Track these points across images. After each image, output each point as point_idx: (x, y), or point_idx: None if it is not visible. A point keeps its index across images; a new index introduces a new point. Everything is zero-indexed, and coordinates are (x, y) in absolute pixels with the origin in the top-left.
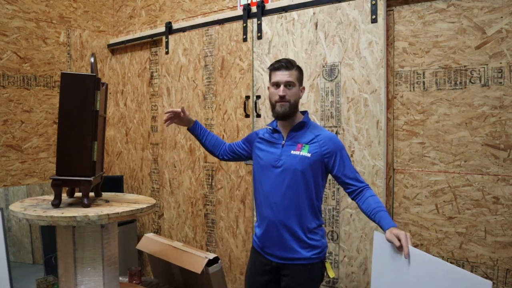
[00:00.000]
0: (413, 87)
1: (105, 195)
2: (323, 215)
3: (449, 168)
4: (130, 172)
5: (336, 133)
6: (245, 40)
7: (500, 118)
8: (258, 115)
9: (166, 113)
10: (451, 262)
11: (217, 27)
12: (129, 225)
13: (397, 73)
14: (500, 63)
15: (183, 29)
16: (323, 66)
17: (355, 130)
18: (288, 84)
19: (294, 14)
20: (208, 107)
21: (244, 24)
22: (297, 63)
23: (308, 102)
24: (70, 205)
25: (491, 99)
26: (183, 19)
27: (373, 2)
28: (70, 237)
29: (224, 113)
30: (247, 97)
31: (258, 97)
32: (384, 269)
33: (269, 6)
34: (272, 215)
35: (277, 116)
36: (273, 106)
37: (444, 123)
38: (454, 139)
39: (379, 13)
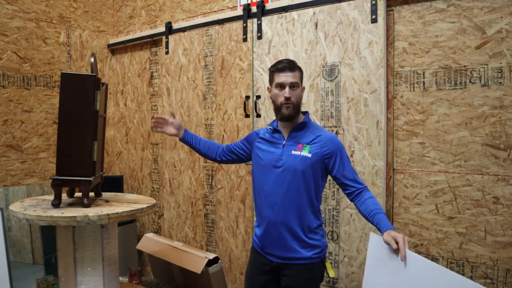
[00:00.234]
0: (413, 87)
1: (105, 195)
2: (323, 215)
3: (449, 168)
4: (130, 172)
5: (336, 133)
6: (245, 40)
7: (500, 118)
8: (258, 115)
9: (154, 118)
10: (451, 262)
11: (217, 27)
12: (129, 225)
13: (397, 73)
14: (500, 63)
15: (183, 29)
16: (323, 66)
17: (355, 130)
18: (292, 86)
19: (294, 14)
20: (208, 107)
21: (244, 24)
22: (297, 63)
23: (308, 102)
24: (70, 205)
25: (491, 99)
26: (183, 19)
27: (373, 2)
28: (70, 237)
29: (224, 113)
30: (247, 97)
31: (258, 97)
32: (378, 270)
33: (269, 6)
34: (273, 215)
35: (283, 118)
36: (278, 108)
37: (444, 123)
38: (454, 139)
39: (379, 13)
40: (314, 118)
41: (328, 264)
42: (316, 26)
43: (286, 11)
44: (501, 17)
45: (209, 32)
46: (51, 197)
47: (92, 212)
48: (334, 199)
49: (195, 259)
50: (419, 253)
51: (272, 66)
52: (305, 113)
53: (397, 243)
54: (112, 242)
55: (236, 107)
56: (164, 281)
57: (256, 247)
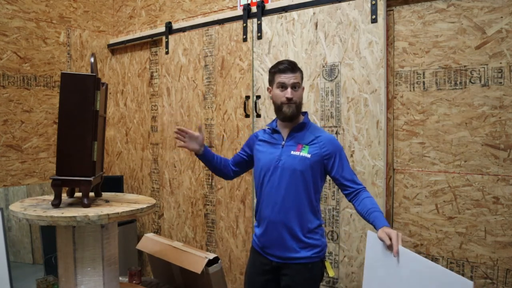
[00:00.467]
0: (413, 87)
1: (105, 195)
2: (323, 215)
3: (449, 168)
4: (130, 172)
5: (336, 133)
6: (245, 40)
7: (500, 118)
8: (258, 115)
9: (176, 130)
10: (451, 262)
11: (217, 27)
12: (129, 225)
13: (397, 73)
14: (500, 63)
15: (183, 29)
16: (323, 66)
17: (355, 130)
18: (294, 86)
19: (294, 14)
20: (208, 107)
21: (244, 24)
22: (297, 63)
23: (308, 102)
24: (70, 205)
25: (491, 99)
26: (183, 19)
27: (373, 2)
28: (70, 237)
29: (224, 113)
30: (247, 97)
31: (258, 97)
32: (376, 266)
33: (269, 6)
34: (272, 215)
35: (284, 118)
36: (279, 108)
37: (444, 123)
38: (454, 139)
39: (379, 13)
40: (314, 118)
41: (327, 264)
42: (316, 26)
43: (286, 11)
44: (501, 17)
45: (209, 32)
46: (51, 197)
47: (92, 212)
48: (334, 199)
49: (195, 259)
50: (419, 253)
51: (273, 67)
52: (304, 113)
53: (390, 239)
54: (112, 242)
55: (236, 107)
56: (164, 281)
57: (256, 247)
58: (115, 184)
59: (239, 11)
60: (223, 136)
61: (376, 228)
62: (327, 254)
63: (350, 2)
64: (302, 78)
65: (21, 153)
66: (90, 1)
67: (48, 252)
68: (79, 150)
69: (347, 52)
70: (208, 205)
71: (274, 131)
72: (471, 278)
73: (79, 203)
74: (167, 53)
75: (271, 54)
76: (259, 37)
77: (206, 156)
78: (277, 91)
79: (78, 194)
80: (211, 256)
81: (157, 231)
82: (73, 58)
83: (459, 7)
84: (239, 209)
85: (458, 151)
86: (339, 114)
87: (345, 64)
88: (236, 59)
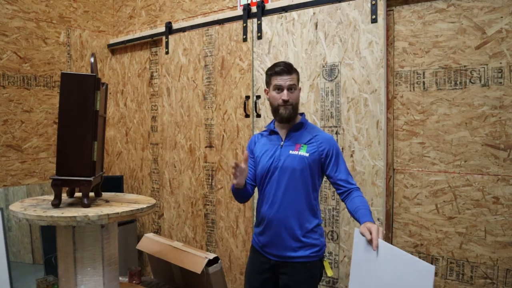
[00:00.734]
0: (413, 87)
1: (105, 195)
2: (323, 215)
3: (449, 168)
4: (130, 172)
5: (336, 133)
6: (245, 40)
7: (500, 118)
8: (258, 115)
9: (235, 168)
10: (451, 262)
11: (217, 27)
12: (129, 225)
13: (397, 73)
14: (500, 63)
15: (183, 29)
16: (323, 66)
17: (355, 130)
18: (290, 88)
19: (294, 14)
20: (208, 107)
21: (244, 24)
22: (298, 63)
23: (308, 102)
24: (70, 205)
25: (491, 99)
26: (183, 19)
27: (373, 2)
28: (70, 237)
29: (224, 113)
30: (247, 97)
31: (258, 97)
32: (361, 262)
33: (269, 6)
34: (271, 214)
35: (282, 119)
36: (276, 110)
37: (444, 123)
38: (454, 139)
39: (379, 13)
40: (314, 118)
41: (326, 263)
42: (316, 26)
43: (286, 11)
44: (501, 17)
45: (209, 32)
46: (51, 197)
47: (92, 212)
48: (334, 199)
49: (195, 259)
50: (419, 253)
51: (269, 69)
52: (302, 114)
53: (371, 234)
54: (112, 242)
55: (236, 107)
56: (164, 281)
57: (255, 245)
58: (115, 184)
59: (239, 11)
60: (223, 136)
61: (360, 224)
62: (327, 254)
63: (350, 2)
64: (298, 79)
65: (21, 153)
66: (90, 1)
67: (48, 252)
68: (79, 150)
69: (347, 52)
70: (208, 205)
71: (272, 132)
72: (471, 278)
73: (79, 203)
74: (167, 53)
75: (271, 54)
76: (259, 37)
77: (244, 187)
78: (273, 93)
79: (78, 194)
80: (211, 256)
81: (157, 231)
82: (73, 58)
83: (459, 7)
84: (239, 209)
85: (458, 151)
86: (339, 114)
87: (345, 64)
88: (236, 59)
